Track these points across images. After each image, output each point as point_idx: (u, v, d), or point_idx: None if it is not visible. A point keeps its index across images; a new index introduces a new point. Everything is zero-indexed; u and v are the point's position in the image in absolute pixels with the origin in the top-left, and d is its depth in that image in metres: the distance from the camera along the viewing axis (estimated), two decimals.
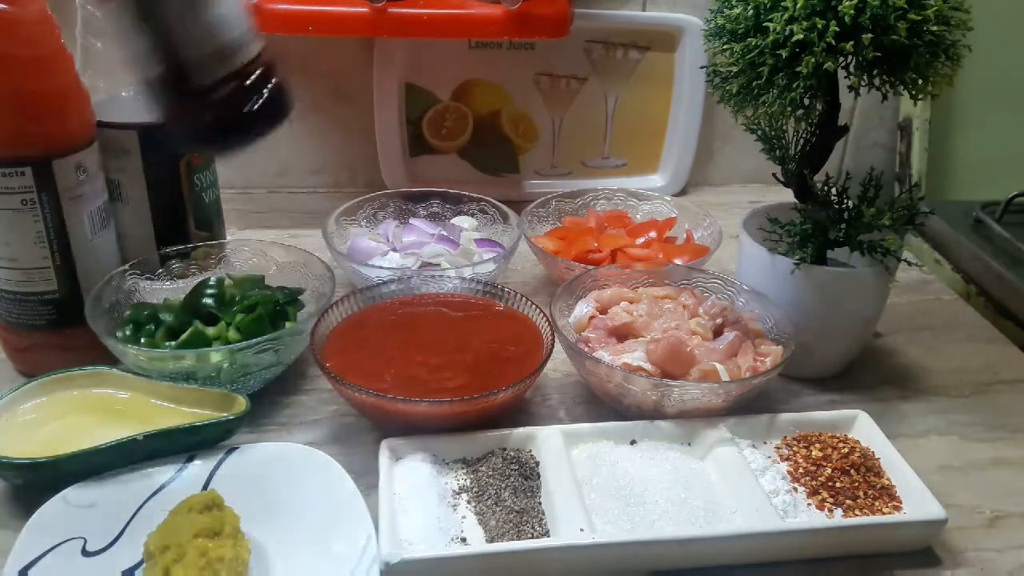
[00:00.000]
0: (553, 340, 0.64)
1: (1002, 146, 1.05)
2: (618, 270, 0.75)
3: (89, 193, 0.62)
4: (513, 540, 0.51)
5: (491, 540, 0.51)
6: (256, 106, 0.49)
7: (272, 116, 0.51)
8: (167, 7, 0.45)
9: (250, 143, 0.49)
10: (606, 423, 0.60)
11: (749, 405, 0.62)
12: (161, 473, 0.55)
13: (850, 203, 0.66)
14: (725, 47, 0.60)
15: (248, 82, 0.48)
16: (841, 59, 0.57)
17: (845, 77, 0.59)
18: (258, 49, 0.49)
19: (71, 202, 0.61)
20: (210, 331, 0.64)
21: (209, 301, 0.67)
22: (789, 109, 0.59)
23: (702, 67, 0.68)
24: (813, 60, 0.56)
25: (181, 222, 0.72)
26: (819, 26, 0.56)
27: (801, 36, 0.56)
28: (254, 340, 0.60)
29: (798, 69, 0.57)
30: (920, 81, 0.59)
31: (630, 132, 1.02)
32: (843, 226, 0.65)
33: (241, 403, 0.58)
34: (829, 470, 0.57)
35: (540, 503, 0.55)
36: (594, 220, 0.86)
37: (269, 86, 0.49)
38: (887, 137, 1.08)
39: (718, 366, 0.61)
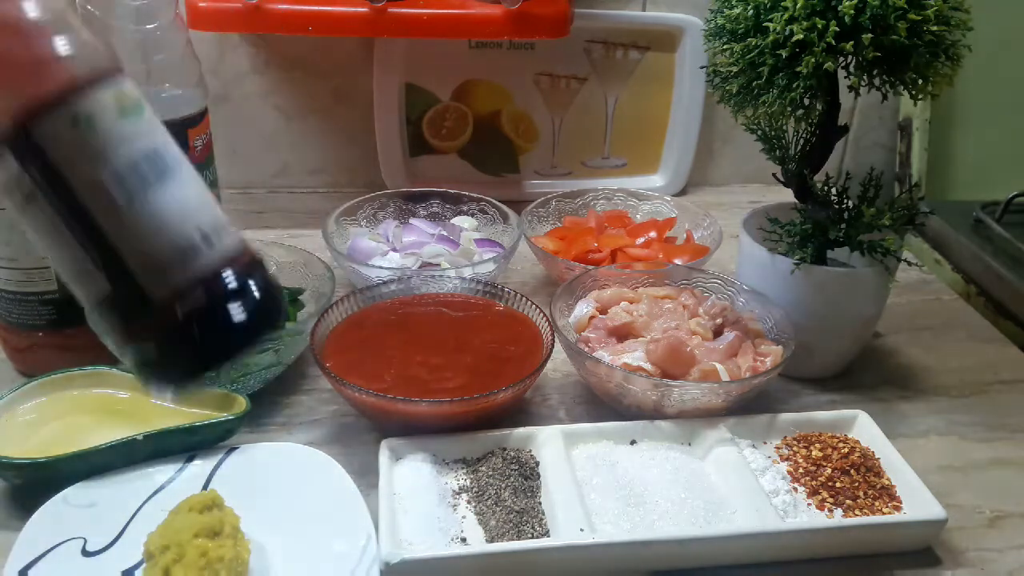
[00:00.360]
0: (553, 340, 0.64)
1: (1002, 146, 1.05)
2: (618, 270, 0.75)
3: None
4: (513, 540, 0.51)
5: (491, 540, 0.51)
6: (242, 314, 0.36)
7: (262, 323, 0.37)
8: (102, 198, 0.33)
9: (238, 358, 0.37)
10: (606, 423, 0.60)
11: (749, 405, 0.62)
12: (161, 473, 0.55)
13: (850, 203, 0.66)
14: (725, 47, 0.60)
15: (226, 285, 0.35)
16: (841, 59, 0.57)
17: (845, 77, 0.59)
18: (236, 241, 0.36)
19: None
20: None
21: None
22: (789, 109, 0.59)
23: (702, 67, 0.68)
24: (813, 60, 0.56)
25: None
26: (819, 26, 0.56)
27: (801, 36, 0.56)
28: None
29: (798, 69, 0.57)
30: (920, 81, 0.59)
31: (630, 132, 1.02)
32: (843, 226, 0.65)
33: (241, 403, 0.58)
34: (829, 470, 0.57)
35: (540, 503, 0.55)
36: (594, 220, 0.86)
37: (254, 285, 0.36)
38: (887, 137, 1.08)
39: (718, 366, 0.61)
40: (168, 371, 0.36)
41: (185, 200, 0.35)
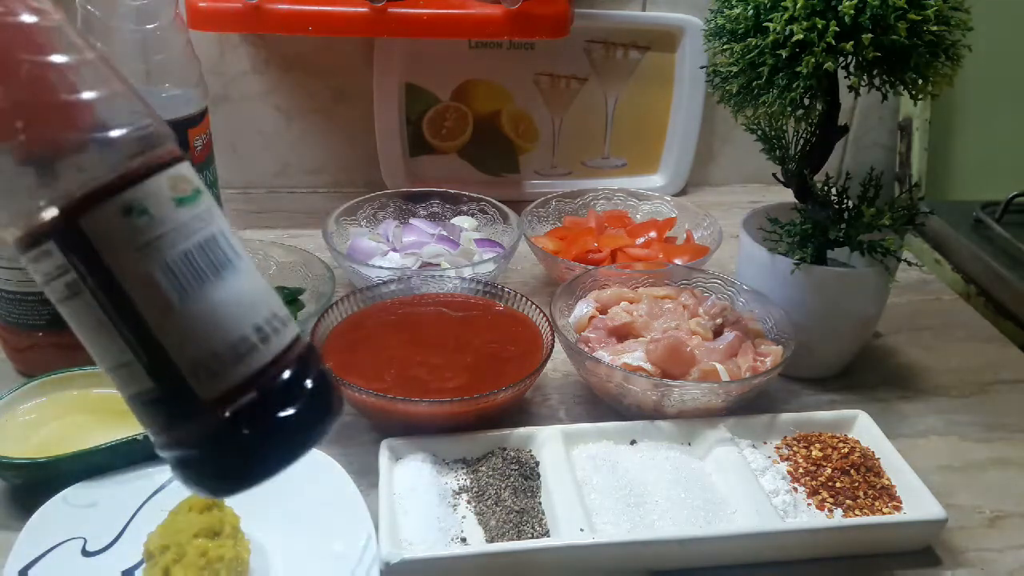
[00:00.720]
0: (553, 340, 0.64)
1: (1002, 146, 1.05)
2: (618, 270, 0.75)
3: None
4: (513, 540, 0.51)
5: (491, 540, 0.51)
6: (296, 409, 0.32)
7: (318, 418, 0.34)
8: (151, 293, 0.30)
9: (292, 460, 0.33)
10: (606, 423, 0.60)
11: (749, 405, 0.62)
12: (161, 473, 0.55)
13: (850, 203, 0.66)
14: (725, 47, 0.60)
15: (281, 378, 0.32)
16: (841, 59, 0.57)
17: (845, 77, 0.59)
18: (292, 335, 0.33)
19: None
20: None
21: None
22: (789, 109, 0.59)
23: (702, 67, 0.68)
24: (813, 60, 0.56)
25: None
26: (819, 26, 0.56)
27: (801, 36, 0.56)
28: None
29: (798, 69, 0.57)
30: (920, 81, 0.59)
31: (630, 132, 1.02)
32: (843, 226, 0.65)
33: None
34: (829, 470, 0.57)
35: (540, 503, 0.55)
36: (594, 220, 0.86)
37: (310, 379, 0.33)
38: (887, 137, 1.08)
39: (718, 366, 0.61)
40: (214, 477, 0.33)
41: (241, 294, 0.31)
